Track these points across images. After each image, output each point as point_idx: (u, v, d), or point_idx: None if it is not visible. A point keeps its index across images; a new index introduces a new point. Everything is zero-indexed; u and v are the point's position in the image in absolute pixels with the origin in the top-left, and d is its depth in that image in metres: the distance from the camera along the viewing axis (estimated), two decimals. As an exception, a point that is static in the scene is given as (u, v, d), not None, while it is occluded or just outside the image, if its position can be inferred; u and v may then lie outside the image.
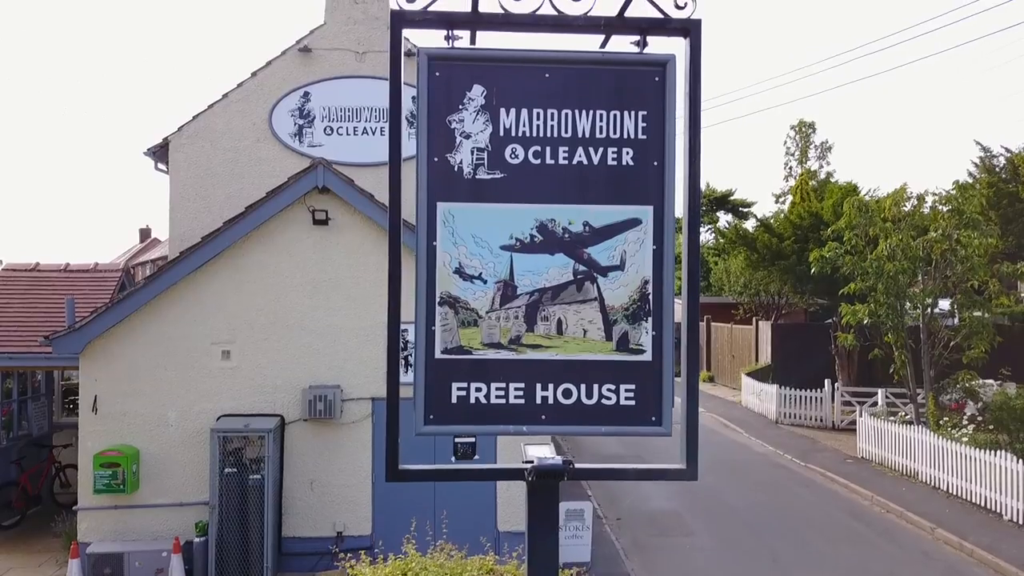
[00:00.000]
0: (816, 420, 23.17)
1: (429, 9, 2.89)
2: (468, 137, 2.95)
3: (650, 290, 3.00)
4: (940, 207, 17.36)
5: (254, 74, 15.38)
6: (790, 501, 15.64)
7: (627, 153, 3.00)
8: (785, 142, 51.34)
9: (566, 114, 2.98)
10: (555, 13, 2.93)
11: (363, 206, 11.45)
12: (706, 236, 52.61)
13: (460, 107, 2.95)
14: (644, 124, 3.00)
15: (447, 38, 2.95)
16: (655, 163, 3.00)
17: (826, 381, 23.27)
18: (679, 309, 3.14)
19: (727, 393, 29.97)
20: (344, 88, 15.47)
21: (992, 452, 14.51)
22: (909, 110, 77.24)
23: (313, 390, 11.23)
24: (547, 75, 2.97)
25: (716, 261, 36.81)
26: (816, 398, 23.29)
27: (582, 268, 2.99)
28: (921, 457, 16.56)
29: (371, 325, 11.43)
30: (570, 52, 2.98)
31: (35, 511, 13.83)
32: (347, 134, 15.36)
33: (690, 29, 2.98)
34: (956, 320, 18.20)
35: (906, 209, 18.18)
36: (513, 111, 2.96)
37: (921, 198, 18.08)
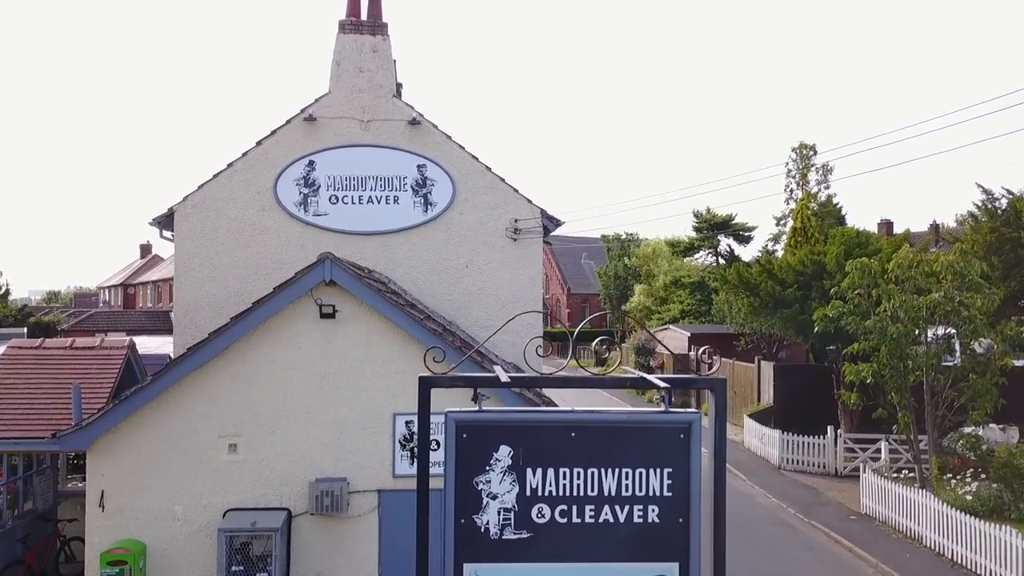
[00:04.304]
0: (819, 467, 23.20)
1: (456, 375, 2.91)
2: (495, 498, 2.97)
3: (676, 648, 3.02)
4: (942, 269, 17.39)
5: (259, 143, 15.37)
6: (796, 570, 15.64)
7: (653, 510, 3.01)
8: (786, 163, 51.31)
9: (592, 472, 2.99)
10: (583, 376, 2.95)
11: (370, 299, 11.46)
12: (709, 259, 52.72)
13: (487, 468, 2.97)
14: (670, 481, 3.01)
15: (474, 399, 2.95)
16: (680, 519, 3.01)
17: (829, 428, 23.29)
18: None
19: (729, 430, 29.99)
20: (349, 157, 15.46)
21: (995, 525, 14.49)
22: (911, 135, 77.34)
23: (320, 484, 11.24)
24: (573, 434, 2.99)
25: (717, 289, 36.79)
26: (819, 444, 23.31)
27: (609, 628, 3.00)
28: (925, 521, 16.56)
29: (377, 416, 11.45)
30: (596, 413, 2.99)
31: (40, 587, 13.84)
32: (352, 203, 15.36)
33: (715, 387, 2.99)
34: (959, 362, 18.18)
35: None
36: (540, 471, 2.98)
37: (922, 259, 18.07)
